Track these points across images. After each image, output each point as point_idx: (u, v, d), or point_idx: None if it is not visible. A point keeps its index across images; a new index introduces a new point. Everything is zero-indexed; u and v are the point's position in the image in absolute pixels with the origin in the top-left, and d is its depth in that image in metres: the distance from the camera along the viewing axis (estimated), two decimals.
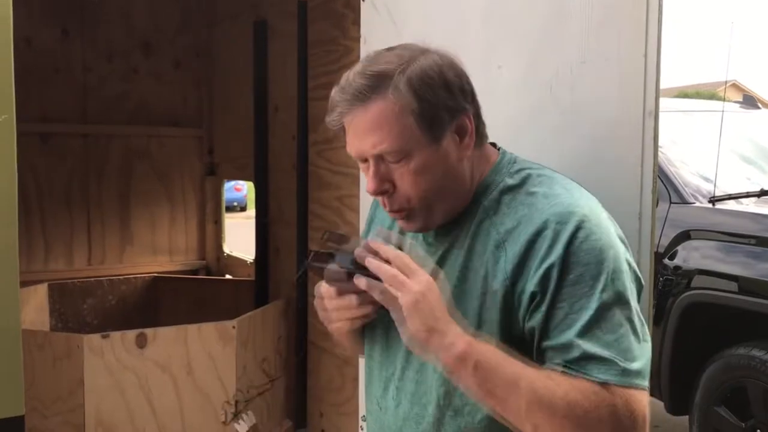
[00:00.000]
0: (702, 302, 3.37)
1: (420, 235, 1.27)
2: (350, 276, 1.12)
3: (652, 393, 3.51)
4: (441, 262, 1.21)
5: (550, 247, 1.09)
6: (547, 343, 1.08)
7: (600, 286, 1.07)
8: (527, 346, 1.12)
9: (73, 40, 4.15)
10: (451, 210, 1.20)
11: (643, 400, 1.05)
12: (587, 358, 1.04)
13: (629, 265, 1.12)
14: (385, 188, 1.16)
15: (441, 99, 1.13)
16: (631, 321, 1.08)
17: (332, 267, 1.13)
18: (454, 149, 1.16)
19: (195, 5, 4.44)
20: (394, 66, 1.12)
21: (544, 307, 1.08)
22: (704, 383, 3.38)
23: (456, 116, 1.15)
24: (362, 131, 1.13)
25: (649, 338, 1.11)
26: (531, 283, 1.09)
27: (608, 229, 1.12)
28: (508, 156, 1.24)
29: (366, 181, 1.19)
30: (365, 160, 1.17)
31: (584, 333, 1.05)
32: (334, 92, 1.16)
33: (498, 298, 1.12)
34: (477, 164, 1.22)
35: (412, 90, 1.11)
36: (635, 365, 1.05)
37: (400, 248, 1.14)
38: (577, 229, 1.09)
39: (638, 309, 1.11)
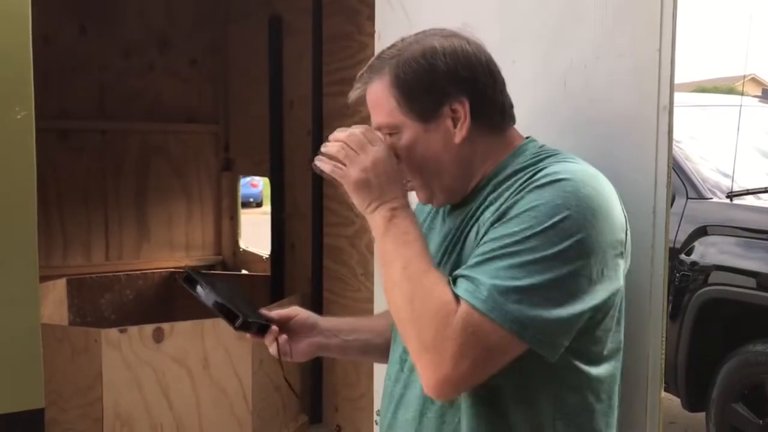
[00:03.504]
0: (719, 298, 3.35)
1: (439, 216, 1.33)
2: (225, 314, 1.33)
3: (669, 389, 3.49)
4: (450, 243, 1.24)
5: (522, 190, 1.11)
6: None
7: (530, 232, 1.06)
8: None
9: (90, 37, 4.19)
10: (453, 189, 1.24)
11: (490, 332, 1.04)
12: (469, 278, 1.07)
13: (592, 248, 1.07)
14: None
15: (422, 83, 1.20)
16: (539, 278, 1.04)
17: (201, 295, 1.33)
18: (449, 132, 1.21)
19: (210, 2, 4.47)
20: (394, 51, 1.23)
21: (481, 233, 1.13)
22: (721, 380, 3.35)
23: (444, 100, 1.20)
24: (369, 106, 1.26)
25: (567, 317, 1.06)
26: (492, 218, 1.13)
27: (585, 201, 1.08)
28: (535, 143, 1.26)
29: None
30: None
31: (480, 258, 1.08)
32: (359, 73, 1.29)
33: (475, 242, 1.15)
34: (492, 150, 1.24)
35: (394, 74, 1.21)
36: (511, 307, 1.03)
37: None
38: (555, 181, 1.09)
39: (568, 282, 1.05)
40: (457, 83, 1.20)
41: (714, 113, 4.42)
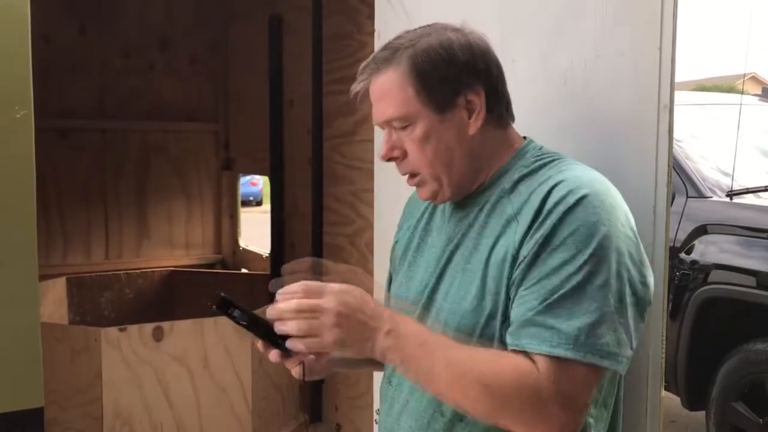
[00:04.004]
0: (719, 297, 3.35)
1: (438, 213, 1.31)
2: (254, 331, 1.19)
3: (669, 388, 3.49)
4: (458, 244, 1.24)
5: (550, 213, 1.11)
6: (513, 302, 1.11)
7: (583, 257, 1.07)
8: None
9: (90, 36, 4.19)
10: (461, 184, 1.24)
11: (582, 376, 1.05)
12: (538, 325, 1.06)
13: (633, 246, 1.12)
14: (394, 155, 1.23)
15: (441, 72, 1.19)
16: (606, 301, 1.06)
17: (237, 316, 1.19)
18: (463, 124, 1.21)
19: (210, 1, 4.46)
20: (406, 41, 1.21)
21: (524, 264, 1.11)
22: (721, 379, 3.35)
23: (460, 91, 1.20)
24: (375, 100, 1.23)
25: (632, 326, 1.09)
26: (527, 246, 1.12)
27: (612, 212, 1.12)
28: (534, 144, 1.27)
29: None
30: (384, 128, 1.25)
31: (547, 299, 1.07)
32: (361, 64, 1.26)
33: (505, 267, 1.14)
34: (497, 146, 1.25)
35: (412, 62, 1.19)
36: (597, 342, 1.04)
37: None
38: (579, 198, 1.10)
39: (623, 290, 1.09)
40: (474, 74, 1.21)
41: (714, 112, 4.42)
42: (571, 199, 1.11)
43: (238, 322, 1.18)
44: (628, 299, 1.10)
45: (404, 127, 1.20)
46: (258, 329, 1.18)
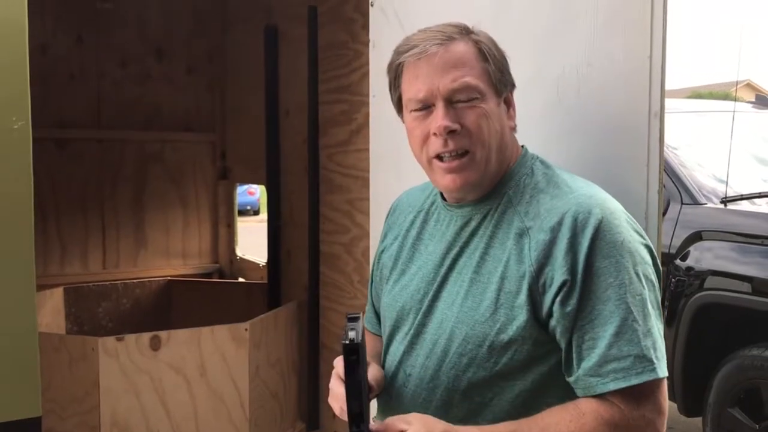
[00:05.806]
0: (715, 303, 3.36)
1: (433, 225, 1.32)
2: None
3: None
4: (461, 252, 1.25)
5: (575, 237, 1.13)
6: (576, 337, 1.12)
7: (626, 278, 1.11)
8: (549, 331, 1.16)
9: (87, 46, 4.20)
10: (494, 177, 1.25)
11: (660, 389, 1.15)
12: (616, 359, 1.09)
13: (651, 255, 1.17)
14: (455, 127, 1.20)
15: (502, 63, 1.25)
16: (653, 309, 1.13)
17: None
18: (505, 116, 1.26)
19: (207, 11, 4.48)
20: (464, 29, 1.25)
21: (574, 300, 1.12)
22: (717, 385, 3.36)
23: (509, 86, 1.26)
24: (444, 66, 1.20)
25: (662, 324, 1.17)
26: (560, 272, 1.13)
27: (626, 223, 1.17)
28: (531, 153, 1.30)
29: (415, 139, 1.25)
30: (426, 107, 1.22)
31: (612, 329, 1.10)
32: (409, 37, 1.24)
33: (523, 283, 1.15)
34: (510, 149, 1.28)
35: (491, 44, 1.24)
36: (660, 354, 1.12)
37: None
38: (601, 220, 1.13)
39: (658, 297, 1.16)
40: (511, 76, 1.28)
41: (711, 119, 4.44)
42: (593, 223, 1.13)
43: (347, 370, 1.13)
44: (658, 304, 1.16)
45: (470, 100, 1.20)
46: (349, 391, 1.13)
